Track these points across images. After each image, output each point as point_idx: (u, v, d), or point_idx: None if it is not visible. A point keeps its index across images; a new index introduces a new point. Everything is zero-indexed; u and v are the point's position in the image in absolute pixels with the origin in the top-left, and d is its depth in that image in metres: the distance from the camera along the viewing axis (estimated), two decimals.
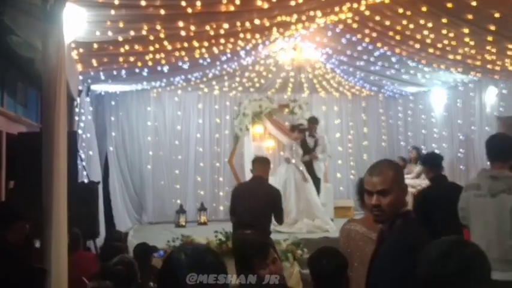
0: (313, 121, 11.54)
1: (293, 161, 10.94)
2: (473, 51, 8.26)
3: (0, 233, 4.01)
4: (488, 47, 7.91)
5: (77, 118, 9.05)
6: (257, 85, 12.32)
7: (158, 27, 6.29)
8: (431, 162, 6.46)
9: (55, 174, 3.48)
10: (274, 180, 10.61)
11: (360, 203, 4.86)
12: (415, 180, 11.40)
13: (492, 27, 7.05)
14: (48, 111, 3.57)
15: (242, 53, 9.19)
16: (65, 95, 3.79)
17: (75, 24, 5.24)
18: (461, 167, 11.10)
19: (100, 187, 8.62)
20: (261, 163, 7.25)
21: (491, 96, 10.39)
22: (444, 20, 7.20)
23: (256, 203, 6.73)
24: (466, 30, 7.34)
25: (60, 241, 3.50)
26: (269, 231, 6.78)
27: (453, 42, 7.97)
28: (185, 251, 1.97)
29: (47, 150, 3.51)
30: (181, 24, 6.38)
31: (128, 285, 4.36)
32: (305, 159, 11.04)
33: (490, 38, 7.46)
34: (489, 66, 8.90)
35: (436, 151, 11.57)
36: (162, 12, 5.87)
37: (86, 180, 8.31)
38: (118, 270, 4.38)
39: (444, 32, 7.60)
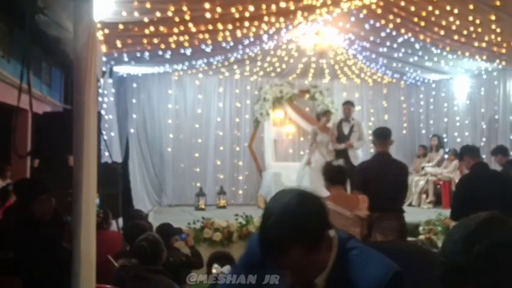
0: (347, 103, 10.66)
1: (312, 164, 10.48)
2: (499, 39, 8.15)
3: (26, 205, 4.15)
4: None
5: (100, 99, 9.10)
6: (278, 70, 12.30)
7: (184, 8, 6.30)
8: (471, 151, 6.47)
9: (85, 152, 3.52)
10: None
11: (325, 184, 5.16)
12: (435, 169, 11.38)
13: None
14: (79, 90, 3.60)
15: (265, 37, 9.17)
16: (95, 75, 3.82)
17: (103, 5, 5.26)
18: (483, 156, 10.99)
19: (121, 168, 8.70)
20: (381, 136, 6.50)
21: None
22: (471, 6, 7.13)
23: (387, 185, 5.94)
24: (493, 17, 7.25)
25: (89, 218, 3.55)
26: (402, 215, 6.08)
27: (479, 29, 7.87)
28: None
29: (77, 129, 3.55)
30: (207, 5, 6.38)
31: (153, 263, 4.40)
32: (340, 147, 10.31)
33: None
34: None
35: (458, 140, 11.55)
36: None
37: (108, 161, 8.40)
38: (142, 247, 4.43)
39: (470, 18, 7.52)
